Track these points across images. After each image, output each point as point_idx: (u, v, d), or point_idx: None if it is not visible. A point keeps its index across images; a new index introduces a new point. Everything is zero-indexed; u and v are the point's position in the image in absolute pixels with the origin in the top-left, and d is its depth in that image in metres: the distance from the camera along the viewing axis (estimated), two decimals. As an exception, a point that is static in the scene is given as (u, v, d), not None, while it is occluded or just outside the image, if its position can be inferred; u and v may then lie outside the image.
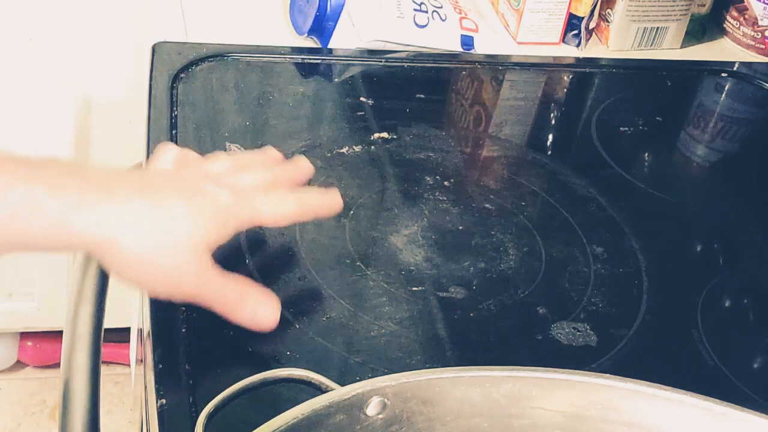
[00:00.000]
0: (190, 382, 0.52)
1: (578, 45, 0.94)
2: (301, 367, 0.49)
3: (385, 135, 0.75)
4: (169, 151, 0.58)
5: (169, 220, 0.50)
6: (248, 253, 0.61)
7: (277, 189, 0.57)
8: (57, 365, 1.36)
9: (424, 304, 0.60)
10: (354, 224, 0.66)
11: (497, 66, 0.88)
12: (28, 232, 0.48)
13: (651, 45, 0.96)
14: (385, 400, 0.46)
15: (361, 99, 0.79)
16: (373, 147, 0.74)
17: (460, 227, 0.67)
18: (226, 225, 0.53)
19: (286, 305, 0.58)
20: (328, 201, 0.60)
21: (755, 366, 0.62)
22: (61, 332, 0.66)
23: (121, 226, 0.49)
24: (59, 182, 0.48)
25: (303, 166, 0.62)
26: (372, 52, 0.85)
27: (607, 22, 0.95)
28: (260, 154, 0.62)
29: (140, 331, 0.89)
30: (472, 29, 0.89)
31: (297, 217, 0.58)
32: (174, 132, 0.71)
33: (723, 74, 0.95)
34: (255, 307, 0.54)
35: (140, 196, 0.50)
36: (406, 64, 0.85)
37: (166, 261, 0.50)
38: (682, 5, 0.94)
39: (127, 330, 1.33)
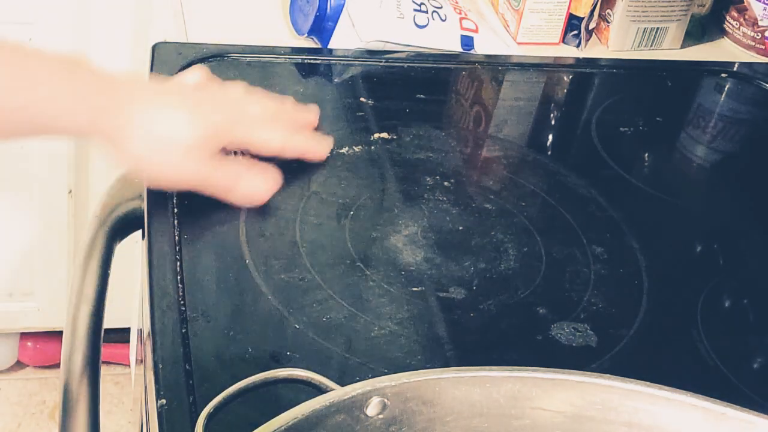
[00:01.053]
0: (190, 382, 0.52)
1: (578, 45, 0.94)
2: (301, 367, 0.49)
3: (385, 135, 0.75)
4: (196, 73, 0.70)
5: (171, 125, 0.62)
6: (248, 253, 0.62)
7: (274, 123, 0.67)
8: (57, 365, 1.36)
9: (424, 304, 0.60)
10: (354, 224, 0.66)
11: (497, 66, 0.88)
12: (56, 124, 0.62)
13: (651, 45, 0.96)
14: (385, 400, 0.46)
15: (361, 99, 0.79)
16: (373, 147, 0.74)
17: (460, 227, 0.67)
18: (219, 138, 0.64)
19: (286, 305, 0.58)
20: (314, 146, 0.70)
21: (755, 366, 0.62)
22: (61, 332, 0.66)
23: (133, 127, 0.61)
24: (93, 88, 0.62)
25: (310, 110, 0.72)
26: (372, 52, 0.85)
27: (607, 22, 0.95)
28: (275, 96, 0.71)
29: (140, 331, 0.89)
30: (472, 29, 0.89)
31: (280, 152, 0.67)
32: (174, 132, 0.71)
33: (723, 74, 0.95)
34: (247, 184, 0.64)
35: (153, 104, 0.63)
36: (406, 64, 0.85)
37: (164, 157, 0.62)
38: (682, 5, 0.95)
39: (127, 330, 1.33)
